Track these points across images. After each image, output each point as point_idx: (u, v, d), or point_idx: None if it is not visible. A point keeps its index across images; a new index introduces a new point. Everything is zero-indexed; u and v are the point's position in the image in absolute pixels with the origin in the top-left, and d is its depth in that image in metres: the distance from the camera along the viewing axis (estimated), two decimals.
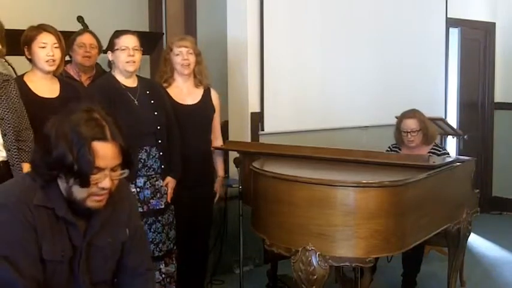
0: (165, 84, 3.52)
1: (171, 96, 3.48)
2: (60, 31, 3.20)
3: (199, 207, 3.53)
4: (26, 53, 3.09)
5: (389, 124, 4.34)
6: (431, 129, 4.01)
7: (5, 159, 2.83)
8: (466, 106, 6.28)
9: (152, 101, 3.26)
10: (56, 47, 3.07)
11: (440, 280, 4.02)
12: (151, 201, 3.20)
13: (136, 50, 3.19)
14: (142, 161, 3.17)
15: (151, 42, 4.69)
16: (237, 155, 3.66)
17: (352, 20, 5.14)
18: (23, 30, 3.14)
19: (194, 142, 3.50)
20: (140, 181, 3.16)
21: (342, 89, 5.10)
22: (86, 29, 4.28)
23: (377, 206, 2.70)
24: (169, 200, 3.30)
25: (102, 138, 1.70)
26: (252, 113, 4.53)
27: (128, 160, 1.78)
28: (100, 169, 1.70)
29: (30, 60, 3.10)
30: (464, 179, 3.55)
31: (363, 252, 2.71)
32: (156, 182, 3.23)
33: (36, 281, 1.70)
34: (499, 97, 6.57)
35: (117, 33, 3.23)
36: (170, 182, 3.30)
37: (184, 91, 3.56)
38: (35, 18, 3.27)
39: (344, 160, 3.29)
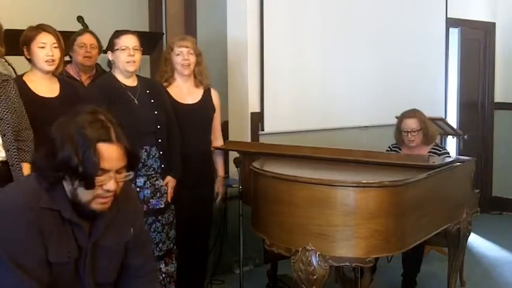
0: (165, 84, 3.52)
1: (171, 96, 3.49)
2: (60, 31, 3.20)
3: (199, 207, 3.53)
4: (26, 53, 3.09)
5: (390, 124, 4.34)
6: (432, 129, 4.01)
7: (5, 160, 2.83)
8: (466, 106, 6.28)
9: (152, 101, 3.27)
10: (55, 47, 3.07)
11: (440, 280, 4.02)
12: (151, 200, 3.20)
13: (136, 50, 3.20)
14: (142, 160, 3.16)
15: (151, 42, 4.69)
16: (237, 155, 3.66)
17: (352, 20, 5.14)
18: (23, 30, 3.14)
19: (194, 142, 3.50)
20: (140, 181, 3.16)
21: (342, 89, 5.10)
22: (86, 29, 4.28)
23: (377, 206, 2.70)
24: (169, 199, 3.30)
25: (107, 140, 1.70)
26: (252, 113, 4.53)
27: (132, 162, 1.78)
28: (105, 171, 1.70)
29: (30, 60, 3.10)
30: (464, 179, 3.55)
31: (363, 252, 2.71)
32: (156, 182, 3.23)
33: (43, 284, 1.70)
34: (499, 97, 6.57)
35: (117, 33, 3.23)
36: (170, 181, 3.30)
37: (184, 90, 3.56)
38: (35, 18, 3.27)
39: (344, 160, 3.29)
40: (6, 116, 2.83)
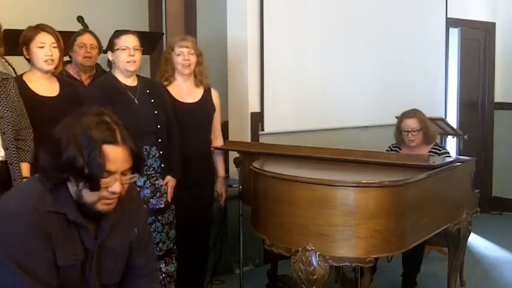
0: (165, 83, 3.52)
1: (171, 95, 3.49)
2: (60, 31, 3.21)
3: (199, 207, 3.53)
4: (25, 53, 3.09)
5: (390, 124, 4.34)
6: (432, 129, 4.01)
7: (4, 159, 2.83)
8: (466, 106, 6.28)
9: (152, 100, 3.27)
10: (54, 47, 3.07)
11: (440, 280, 4.02)
12: (151, 200, 3.20)
13: (136, 49, 3.20)
14: None
15: (152, 42, 4.69)
16: (237, 155, 3.66)
17: (352, 20, 5.14)
18: (23, 30, 3.14)
19: (194, 141, 3.50)
20: (140, 180, 3.15)
21: (342, 89, 5.10)
22: (86, 29, 4.28)
23: (377, 206, 2.70)
24: (169, 199, 3.30)
25: (113, 141, 1.69)
26: (252, 113, 4.53)
27: (138, 164, 1.77)
28: (110, 173, 1.69)
29: (29, 60, 3.10)
30: (464, 179, 3.55)
31: (363, 252, 2.71)
32: (156, 182, 3.23)
33: None
34: (499, 97, 6.57)
35: (117, 33, 3.23)
36: (170, 181, 3.30)
37: (184, 90, 3.57)
38: (35, 18, 3.27)
39: (344, 160, 3.29)
40: (6, 114, 2.83)
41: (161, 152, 3.24)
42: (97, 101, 3.06)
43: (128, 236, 1.90)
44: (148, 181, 3.19)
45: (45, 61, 3.05)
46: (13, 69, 3.94)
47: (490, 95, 6.57)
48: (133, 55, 3.18)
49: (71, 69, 3.90)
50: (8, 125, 2.83)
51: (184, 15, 5.88)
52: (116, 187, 1.71)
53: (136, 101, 3.21)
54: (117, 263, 1.89)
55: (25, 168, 2.91)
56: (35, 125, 2.97)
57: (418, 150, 3.91)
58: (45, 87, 3.12)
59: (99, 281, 1.82)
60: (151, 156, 3.21)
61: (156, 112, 3.25)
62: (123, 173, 1.73)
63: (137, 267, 1.95)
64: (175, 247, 3.35)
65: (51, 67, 3.08)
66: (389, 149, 4.08)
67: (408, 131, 3.88)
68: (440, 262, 4.35)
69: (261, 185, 3.03)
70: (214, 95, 3.68)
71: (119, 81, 3.22)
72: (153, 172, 3.22)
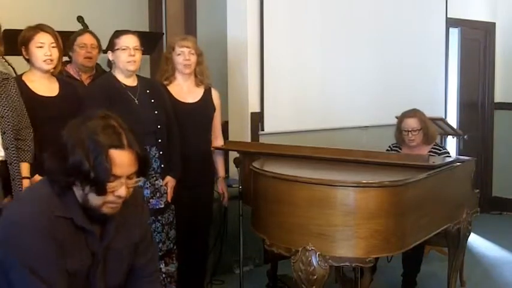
0: (166, 82, 3.52)
1: (171, 94, 3.49)
2: (60, 31, 3.21)
3: (199, 207, 3.53)
4: (24, 53, 3.09)
5: (390, 124, 4.34)
6: (432, 129, 4.01)
7: (4, 159, 2.83)
8: (466, 106, 6.28)
9: (152, 100, 3.27)
10: (53, 47, 3.07)
11: (440, 280, 4.02)
12: (150, 200, 3.19)
13: (136, 49, 3.20)
14: None
15: (152, 42, 4.69)
16: (237, 155, 3.66)
17: (352, 20, 5.14)
18: (22, 30, 3.14)
19: (194, 141, 3.50)
20: None
21: (342, 89, 5.10)
22: (86, 29, 4.28)
23: (377, 206, 2.70)
24: (169, 199, 3.30)
25: (119, 146, 1.69)
26: (252, 113, 4.53)
27: (143, 168, 1.77)
28: (116, 177, 1.69)
29: (28, 60, 3.11)
30: (464, 179, 3.55)
31: (363, 252, 2.71)
32: (156, 182, 3.23)
33: None
34: (499, 97, 6.57)
35: (118, 33, 3.23)
36: (170, 181, 3.30)
37: (185, 89, 3.57)
38: (35, 18, 3.27)
39: (344, 160, 3.29)
40: (6, 114, 2.83)
41: (161, 152, 3.24)
42: (97, 101, 3.07)
43: (133, 236, 1.90)
44: (148, 181, 3.19)
45: (44, 61, 3.05)
46: (13, 69, 3.94)
47: (490, 95, 6.57)
48: (134, 55, 3.18)
49: (71, 69, 3.90)
50: (8, 125, 2.83)
51: (184, 15, 5.88)
52: (122, 191, 1.71)
53: (136, 101, 3.21)
54: (122, 264, 1.89)
55: (25, 168, 2.91)
56: (35, 125, 2.97)
57: (418, 150, 3.91)
58: (45, 87, 3.12)
59: (105, 283, 1.82)
60: (151, 156, 3.20)
61: (156, 112, 3.25)
62: (128, 177, 1.73)
63: (139, 268, 1.95)
64: (175, 247, 3.35)
65: (50, 67, 3.08)
66: (389, 148, 4.08)
67: (408, 131, 3.88)
68: (440, 262, 4.35)
69: (261, 185, 3.03)
70: (215, 95, 3.68)
71: (118, 81, 3.22)
72: (153, 172, 3.22)
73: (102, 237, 1.80)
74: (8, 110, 2.84)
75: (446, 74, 6.14)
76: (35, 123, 2.97)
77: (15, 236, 1.66)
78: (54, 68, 3.12)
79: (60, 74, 3.38)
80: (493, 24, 6.51)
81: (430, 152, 3.89)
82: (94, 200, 1.71)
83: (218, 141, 3.73)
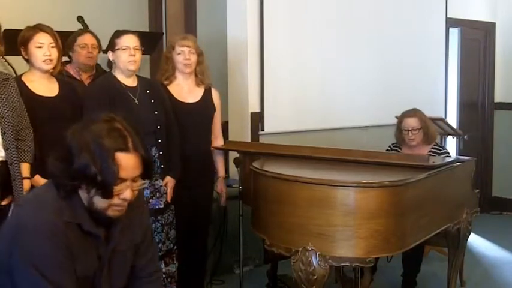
0: (166, 82, 3.52)
1: (171, 94, 3.49)
2: (60, 31, 3.21)
3: (199, 207, 3.53)
4: (23, 53, 3.09)
5: (390, 124, 4.34)
6: (432, 129, 4.02)
7: (4, 159, 2.83)
8: (466, 106, 6.28)
9: (152, 101, 3.26)
10: (52, 47, 3.07)
11: (440, 280, 4.02)
12: (150, 201, 3.19)
13: (137, 49, 3.20)
14: None
15: (152, 42, 4.69)
16: (237, 155, 3.66)
17: (352, 20, 5.14)
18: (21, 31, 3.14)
19: (194, 141, 3.50)
20: None
21: (342, 89, 5.10)
22: (86, 29, 4.28)
23: (377, 206, 2.70)
24: (169, 199, 3.30)
25: (125, 149, 1.70)
26: (252, 113, 4.52)
27: (148, 170, 1.78)
28: (122, 180, 1.70)
29: (28, 61, 3.10)
30: (464, 179, 3.55)
31: (363, 252, 2.71)
32: (156, 182, 3.23)
33: None
34: (499, 97, 6.57)
35: (118, 33, 3.23)
36: (169, 181, 3.30)
37: (185, 89, 3.56)
38: (35, 18, 3.27)
39: (344, 160, 3.29)
40: (6, 114, 2.83)
41: (161, 153, 3.24)
42: (97, 101, 3.07)
43: (135, 237, 1.90)
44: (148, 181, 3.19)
45: (44, 61, 3.05)
46: (13, 69, 3.94)
47: (490, 95, 6.57)
48: (134, 55, 3.18)
49: (71, 69, 3.90)
50: (9, 125, 2.83)
51: (184, 15, 5.88)
52: (127, 194, 1.72)
53: (136, 101, 3.21)
54: (126, 266, 1.89)
55: (25, 169, 2.91)
56: (35, 125, 2.97)
57: (419, 149, 3.91)
58: (44, 87, 3.12)
59: (110, 285, 1.83)
60: None
61: (156, 113, 3.25)
62: (133, 180, 1.74)
63: (139, 268, 1.95)
64: (175, 247, 3.35)
65: (49, 67, 3.08)
66: (389, 148, 4.08)
67: (409, 130, 3.89)
68: (440, 262, 4.35)
69: (261, 185, 3.03)
70: (215, 95, 3.67)
71: (118, 81, 3.22)
72: None
73: (107, 240, 1.80)
74: (8, 110, 2.84)
75: (446, 74, 6.14)
76: (34, 123, 2.97)
77: (28, 242, 1.66)
78: (54, 68, 3.12)
79: (60, 74, 3.38)
80: (493, 24, 6.51)
81: (430, 152, 3.89)
82: (99, 203, 1.71)
83: (218, 141, 3.73)
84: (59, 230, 1.67)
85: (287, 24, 4.70)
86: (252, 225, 3.18)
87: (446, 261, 3.67)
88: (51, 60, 3.06)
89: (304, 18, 4.80)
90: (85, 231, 1.74)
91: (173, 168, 3.32)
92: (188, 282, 3.54)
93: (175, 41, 3.54)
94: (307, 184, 2.76)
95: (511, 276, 4.50)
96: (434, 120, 4.39)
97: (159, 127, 3.25)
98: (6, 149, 2.82)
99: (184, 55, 3.49)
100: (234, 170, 3.84)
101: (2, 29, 2.95)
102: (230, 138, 4.35)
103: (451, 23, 6.05)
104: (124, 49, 3.16)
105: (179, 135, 3.38)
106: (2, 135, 2.82)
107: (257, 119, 4.54)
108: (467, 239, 3.61)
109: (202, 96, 3.60)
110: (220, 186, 3.72)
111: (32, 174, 2.95)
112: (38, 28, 3.08)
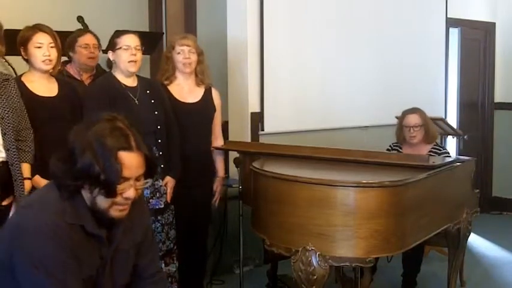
0: (166, 82, 3.52)
1: (172, 94, 3.49)
2: (60, 31, 3.20)
3: (199, 207, 3.53)
4: (23, 53, 3.09)
5: (390, 124, 4.34)
6: (433, 128, 4.04)
7: (5, 160, 2.83)
8: (466, 106, 6.28)
9: (152, 101, 3.27)
10: (51, 47, 3.07)
11: (440, 280, 4.02)
12: (150, 200, 3.19)
13: (138, 49, 3.20)
14: None
15: (152, 42, 4.69)
16: (237, 155, 3.66)
17: (352, 20, 5.14)
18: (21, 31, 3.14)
19: (194, 141, 3.50)
20: None
21: (342, 89, 5.10)
22: (86, 29, 4.28)
23: (377, 206, 2.70)
24: (169, 199, 3.30)
25: (128, 148, 1.70)
26: (252, 113, 4.52)
27: (151, 169, 1.78)
28: (125, 179, 1.70)
29: (27, 61, 3.10)
30: (464, 179, 3.55)
31: (363, 252, 2.71)
32: (156, 182, 3.23)
33: None
34: (499, 97, 6.57)
35: (118, 33, 3.23)
36: (169, 181, 3.30)
37: (185, 89, 3.56)
38: (35, 18, 3.27)
39: (344, 160, 3.29)
40: (7, 115, 2.83)
41: (161, 153, 3.24)
42: (97, 101, 3.07)
43: (137, 237, 1.91)
44: None
45: (43, 61, 3.05)
46: (13, 69, 3.94)
47: (490, 95, 6.57)
48: (135, 54, 3.18)
49: (71, 69, 3.90)
50: (9, 126, 2.83)
51: (184, 15, 5.88)
52: (131, 193, 1.72)
53: (136, 101, 3.21)
54: (129, 265, 1.89)
55: (26, 169, 2.91)
56: (35, 126, 2.97)
57: (419, 149, 3.92)
58: (44, 87, 3.12)
59: (112, 284, 1.83)
60: None
61: (156, 113, 3.25)
62: (137, 179, 1.74)
63: (142, 268, 1.95)
64: (175, 247, 3.35)
65: (49, 67, 3.08)
66: (390, 148, 4.09)
67: (410, 126, 3.90)
68: (440, 262, 4.35)
69: (261, 185, 3.03)
70: (215, 95, 3.67)
71: (119, 81, 3.22)
72: None
73: (109, 240, 1.80)
74: (8, 111, 2.84)
75: (446, 74, 6.14)
76: (34, 123, 2.97)
77: (29, 244, 1.66)
78: (53, 68, 3.12)
79: (60, 74, 3.38)
80: (493, 24, 6.50)
81: (430, 152, 3.90)
82: (102, 202, 1.71)
83: (218, 141, 3.73)
84: (62, 231, 1.67)
85: (287, 24, 4.70)
86: (252, 225, 3.18)
87: (446, 261, 3.67)
88: (50, 61, 3.06)
89: (304, 18, 4.80)
90: (88, 232, 1.74)
91: (173, 168, 3.32)
92: (188, 282, 3.54)
93: (175, 41, 3.54)
94: (307, 184, 2.76)
95: (511, 276, 4.50)
96: (434, 120, 4.40)
97: (159, 127, 3.25)
98: (6, 149, 2.82)
99: (184, 54, 3.49)
100: (234, 170, 3.84)
101: (3, 28, 2.95)
102: (230, 138, 4.35)
103: (451, 23, 6.05)
104: (125, 49, 3.16)
105: (179, 135, 3.38)
106: (2, 136, 2.81)
107: (257, 119, 4.54)
108: (467, 239, 3.61)
109: (203, 96, 3.60)
110: (216, 185, 3.71)
111: (33, 174, 2.95)
112: (37, 28, 3.08)
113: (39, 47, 3.04)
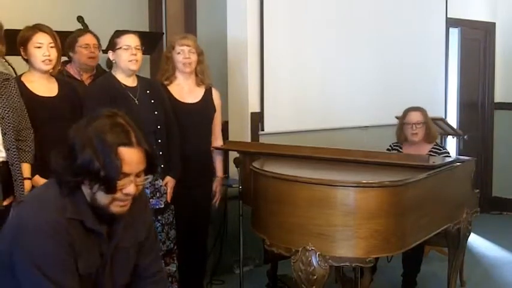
0: (166, 82, 3.52)
1: (172, 94, 3.49)
2: (60, 31, 3.20)
3: (199, 207, 3.53)
4: (22, 53, 3.09)
5: (390, 124, 4.34)
6: (433, 128, 4.07)
7: (5, 160, 2.83)
8: (466, 106, 6.28)
9: (152, 101, 3.27)
10: (51, 47, 3.07)
11: (440, 280, 4.02)
12: (150, 200, 3.19)
13: (138, 49, 3.20)
14: None
15: (152, 42, 4.69)
16: (237, 155, 3.66)
17: (352, 20, 5.14)
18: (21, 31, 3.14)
19: (194, 141, 3.50)
20: None
21: (342, 89, 5.10)
22: (86, 29, 4.28)
23: (377, 206, 2.70)
24: (169, 199, 3.30)
25: (128, 143, 1.70)
26: (252, 113, 4.52)
27: (152, 165, 1.78)
28: (126, 175, 1.70)
29: (27, 61, 3.10)
30: (464, 179, 3.55)
31: (363, 252, 2.71)
32: (156, 182, 3.23)
33: None
34: (499, 97, 6.57)
35: (118, 33, 3.23)
36: (169, 181, 3.30)
37: (185, 89, 3.56)
38: (35, 18, 3.27)
39: (344, 160, 3.29)
40: (7, 114, 2.83)
41: (161, 153, 3.24)
42: (97, 101, 3.07)
43: (138, 234, 1.90)
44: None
45: (43, 61, 3.05)
46: (13, 69, 3.93)
47: (490, 95, 6.57)
48: (136, 54, 3.18)
49: (71, 69, 3.90)
50: (9, 126, 2.83)
51: (184, 15, 5.88)
52: (131, 189, 1.72)
53: (136, 101, 3.21)
54: (129, 263, 1.89)
55: (26, 169, 2.91)
56: (35, 126, 2.97)
57: (419, 148, 3.92)
58: (44, 87, 3.12)
59: (112, 282, 1.83)
60: None
61: (156, 113, 3.25)
62: (137, 175, 1.74)
63: (143, 268, 1.95)
64: (175, 247, 3.35)
65: (49, 67, 3.08)
66: (390, 148, 4.09)
67: (413, 123, 3.91)
68: (440, 262, 4.35)
69: (261, 185, 3.03)
70: (215, 95, 3.68)
71: (118, 81, 3.22)
72: None
73: (110, 237, 1.80)
74: (8, 111, 2.84)
75: (446, 74, 6.14)
76: (34, 123, 2.97)
77: (28, 242, 1.66)
78: (53, 68, 3.12)
79: (60, 74, 3.38)
80: (493, 24, 6.51)
81: (430, 151, 3.90)
82: (102, 198, 1.71)
83: (218, 141, 3.73)
84: (62, 227, 1.67)
85: (287, 24, 4.70)
86: (252, 225, 3.18)
87: (446, 261, 3.67)
88: (50, 61, 3.06)
89: (304, 18, 4.80)
90: (88, 228, 1.74)
91: (173, 168, 3.32)
92: (188, 282, 3.54)
93: (175, 41, 3.54)
94: (307, 184, 2.76)
95: (511, 276, 4.50)
96: (434, 120, 4.40)
97: (159, 127, 3.25)
98: (7, 149, 2.82)
99: (184, 54, 3.49)
100: (234, 170, 3.84)
101: (3, 28, 2.95)
102: (230, 138, 4.35)
103: (451, 23, 6.05)
104: (125, 48, 3.16)
105: (179, 135, 3.38)
106: (2, 135, 2.82)
107: (257, 119, 4.54)
108: (467, 239, 3.61)
109: (203, 96, 3.60)
110: (216, 186, 3.71)
111: (33, 174, 2.95)
112: (37, 28, 3.08)
113: (39, 47, 3.04)
